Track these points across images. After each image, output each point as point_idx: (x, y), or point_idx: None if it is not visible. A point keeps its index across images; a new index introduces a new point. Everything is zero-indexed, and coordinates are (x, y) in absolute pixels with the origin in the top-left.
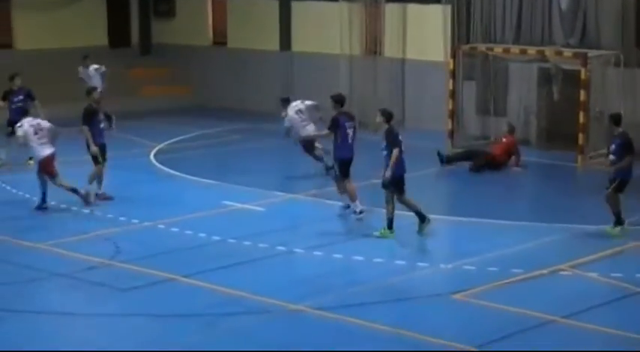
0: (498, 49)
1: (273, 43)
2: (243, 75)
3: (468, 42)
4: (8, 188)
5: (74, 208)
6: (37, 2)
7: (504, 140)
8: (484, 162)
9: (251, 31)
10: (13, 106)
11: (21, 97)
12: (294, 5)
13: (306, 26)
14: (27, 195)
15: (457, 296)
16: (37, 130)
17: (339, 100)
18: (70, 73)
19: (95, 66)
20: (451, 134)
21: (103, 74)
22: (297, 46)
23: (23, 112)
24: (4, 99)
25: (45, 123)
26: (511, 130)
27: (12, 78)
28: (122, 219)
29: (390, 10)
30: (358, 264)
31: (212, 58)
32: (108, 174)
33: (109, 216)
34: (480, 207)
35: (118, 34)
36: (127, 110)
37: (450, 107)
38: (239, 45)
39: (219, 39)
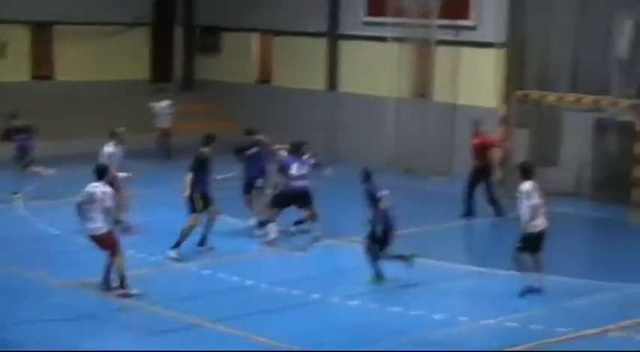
0: (552, 97)
1: (319, 83)
2: (287, 114)
3: (521, 88)
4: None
5: None
6: (79, 34)
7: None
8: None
9: (297, 69)
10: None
11: None
12: (341, 44)
13: (354, 66)
14: (57, 232)
15: None
16: None
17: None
18: (105, 107)
19: (168, 102)
20: (502, 183)
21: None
22: (343, 86)
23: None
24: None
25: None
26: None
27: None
28: (153, 259)
29: (442, 53)
30: (395, 316)
31: (256, 96)
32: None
33: (142, 255)
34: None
35: (160, 69)
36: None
37: (501, 155)
38: (284, 84)
39: (265, 77)
